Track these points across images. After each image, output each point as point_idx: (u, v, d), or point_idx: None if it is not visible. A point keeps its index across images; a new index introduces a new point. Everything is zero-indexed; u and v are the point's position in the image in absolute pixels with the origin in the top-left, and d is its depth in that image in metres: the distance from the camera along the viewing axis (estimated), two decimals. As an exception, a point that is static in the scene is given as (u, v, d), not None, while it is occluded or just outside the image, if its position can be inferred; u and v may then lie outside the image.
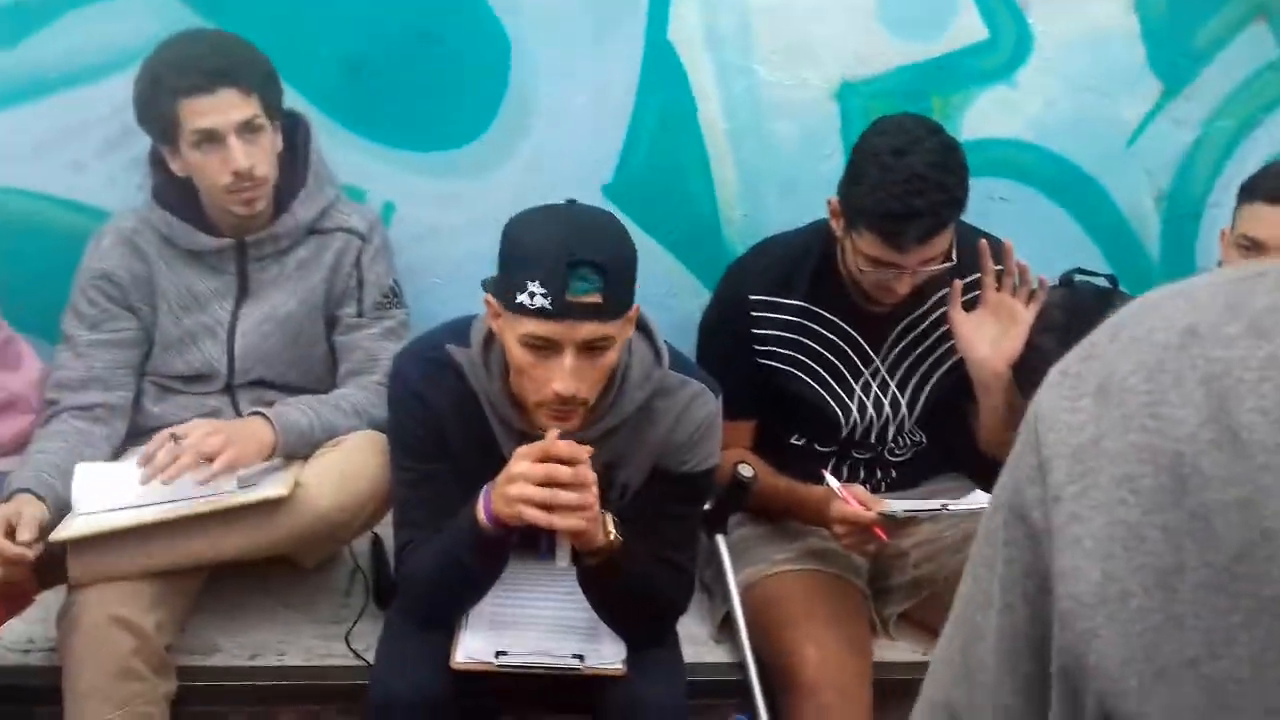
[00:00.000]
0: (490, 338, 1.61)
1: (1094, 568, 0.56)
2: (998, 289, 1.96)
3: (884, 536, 1.84)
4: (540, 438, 1.55)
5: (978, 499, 1.92)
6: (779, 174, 2.39)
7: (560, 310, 1.45)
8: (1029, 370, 2.15)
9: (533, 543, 1.62)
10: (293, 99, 2.13)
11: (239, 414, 2.03)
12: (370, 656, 1.93)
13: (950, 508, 1.77)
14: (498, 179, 2.35)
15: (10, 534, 1.68)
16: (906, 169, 1.77)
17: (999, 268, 1.96)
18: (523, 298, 1.46)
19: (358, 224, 2.08)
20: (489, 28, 2.27)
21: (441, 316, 2.31)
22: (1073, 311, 2.21)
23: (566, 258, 1.44)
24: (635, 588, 1.64)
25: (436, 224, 2.38)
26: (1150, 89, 2.39)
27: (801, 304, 2.02)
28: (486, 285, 1.59)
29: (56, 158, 2.25)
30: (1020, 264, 1.96)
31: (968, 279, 1.97)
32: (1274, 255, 1.84)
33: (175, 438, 1.74)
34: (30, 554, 1.68)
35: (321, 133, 2.15)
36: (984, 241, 1.97)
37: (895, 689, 1.99)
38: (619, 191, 2.37)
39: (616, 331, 1.52)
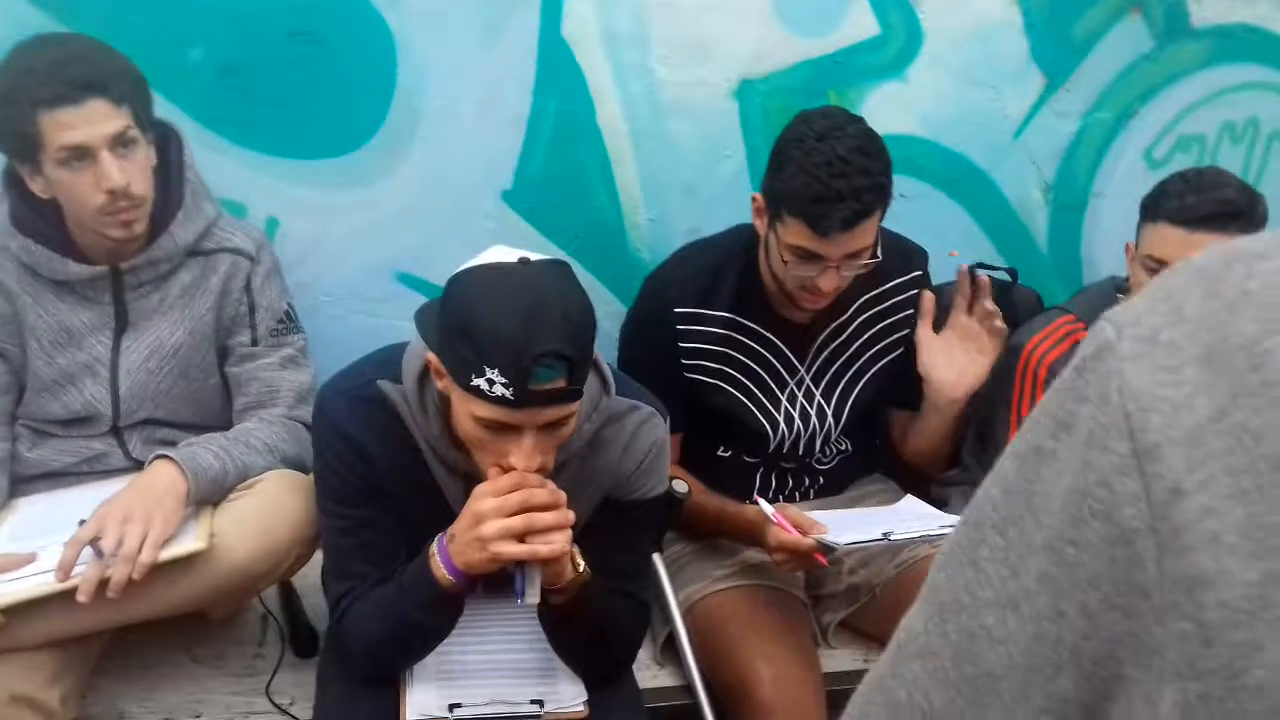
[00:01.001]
0: (425, 374, 1.50)
1: (1248, 568, 0.47)
2: (969, 314, 1.96)
3: (824, 562, 1.82)
4: (483, 478, 1.46)
5: (914, 512, 1.93)
6: (681, 176, 2.34)
7: (522, 400, 1.35)
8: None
9: (496, 584, 1.52)
10: (161, 107, 1.95)
11: (129, 457, 1.86)
12: (297, 710, 1.81)
13: (893, 537, 1.76)
14: (388, 187, 2.22)
15: None
16: (829, 151, 1.76)
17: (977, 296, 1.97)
18: (479, 382, 1.34)
19: (244, 244, 1.92)
20: (372, 26, 2.12)
21: (335, 336, 2.20)
22: (976, 304, 2.26)
23: (530, 349, 1.32)
24: (597, 623, 1.57)
25: (323, 237, 2.23)
26: (1034, 82, 2.45)
27: (726, 315, 1.98)
28: (429, 341, 1.45)
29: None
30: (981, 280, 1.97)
31: (886, 284, 1.98)
32: None
33: (94, 546, 1.55)
34: None
35: (195, 143, 1.97)
36: (964, 267, 1.98)
37: (839, 699, 2.00)
38: (518, 197, 2.28)
39: (578, 406, 1.44)
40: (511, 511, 1.41)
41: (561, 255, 2.27)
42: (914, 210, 2.39)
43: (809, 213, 1.77)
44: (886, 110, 2.37)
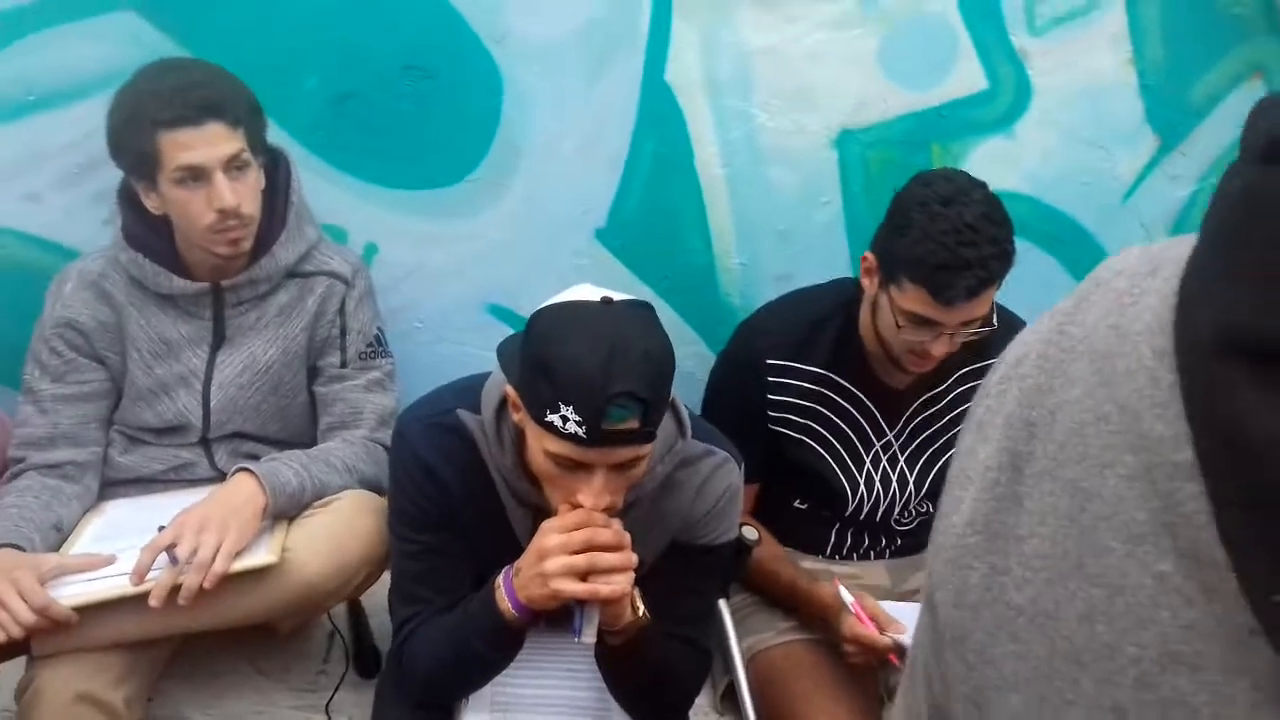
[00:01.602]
0: (504, 405, 1.51)
1: None
2: None
3: (897, 662, 1.77)
4: (552, 513, 1.46)
5: None
6: (775, 221, 2.33)
7: (595, 439, 1.35)
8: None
9: (558, 620, 1.52)
10: (273, 133, 2.02)
11: (215, 468, 1.91)
12: (353, 730, 1.82)
13: None
14: (485, 220, 2.26)
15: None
16: (956, 218, 1.70)
17: None
18: (553, 418, 1.35)
19: (340, 268, 1.97)
20: (481, 63, 2.17)
21: (423, 362, 2.24)
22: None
23: (606, 389, 1.32)
24: (655, 668, 1.55)
25: (420, 265, 2.28)
26: (1147, 143, 2.37)
27: (821, 371, 1.95)
28: (509, 373, 1.46)
29: (11, 188, 2.11)
30: None
31: (988, 359, 1.92)
32: None
33: (169, 553, 1.59)
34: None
35: (301, 168, 2.04)
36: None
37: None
38: (612, 236, 2.29)
39: (651, 448, 1.44)
40: (575, 549, 1.40)
41: (651, 295, 2.30)
42: (1016, 271, 2.33)
43: (933, 280, 1.72)
44: (992, 166, 2.32)
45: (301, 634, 2.01)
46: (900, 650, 1.75)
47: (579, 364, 1.33)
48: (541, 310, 1.43)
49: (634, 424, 1.34)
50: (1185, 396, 0.54)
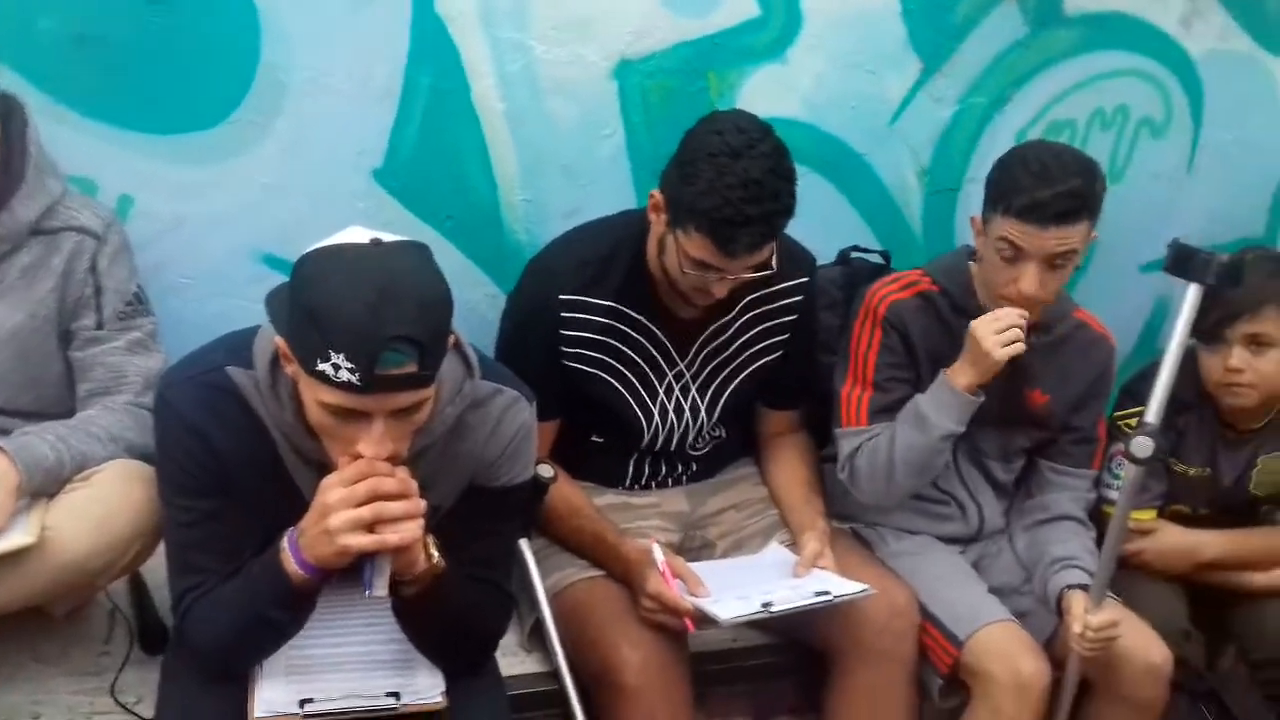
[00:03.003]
0: (278, 359, 1.44)
1: None
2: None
3: (692, 628, 1.82)
4: (336, 468, 1.41)
5: (785, 562, 1.96)
6: (559, 156, 2.29)
7: (368, 385, 1.29)
8: (814, 346, 2.19)
9: (349, 575, 1.47)
10: (5, 78, 1.84)
11: (-38, 447, 1.75)
12: (142, 710, 1.74)
13: (774, 609, 1.78)
14: (251, 163, 2.14)
15: None
16: (744, 173, 1.71)
17: None
18: (324, 366, 1.28)
19: (90, 222, 1.83)
20: (232, -6, 2.04)
21: (194, 321, 2.11)
22: (850, 288, 2.27)
23: (378, 333, 1.26)
24: (456, 614, 1.53)
25: (182, 215, 2.13)
26: (911, 66, 2.46)
27: (612, 304, 1.95)
28: (278, 324, 1.39)
29: None
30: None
31: (774, 286, 1.97)
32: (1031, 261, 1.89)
33: None
34: None
35: (41, 116, 1.87)
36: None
37: (710, 679, 2.00)
38: (390, 176, 2.21)
39: (431, 391, 1.39)
40: (359, 502, 1.36)
41: (435, 237, 2.24)
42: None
43: (717, 233, 1.74)
44: (766, 93, 2.36)
45: (79, 615, 1.89)
46: (700, 617, 1.79)
47: (346, 308, 1.27)
48: (307, 255, 1.36)
49: (411, 368, 1.30)
50: None
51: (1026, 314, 1.88)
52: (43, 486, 1.61)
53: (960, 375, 1.91)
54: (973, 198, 2.57)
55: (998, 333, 1.85)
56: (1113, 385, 2.22)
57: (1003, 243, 1.89)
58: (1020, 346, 1.85)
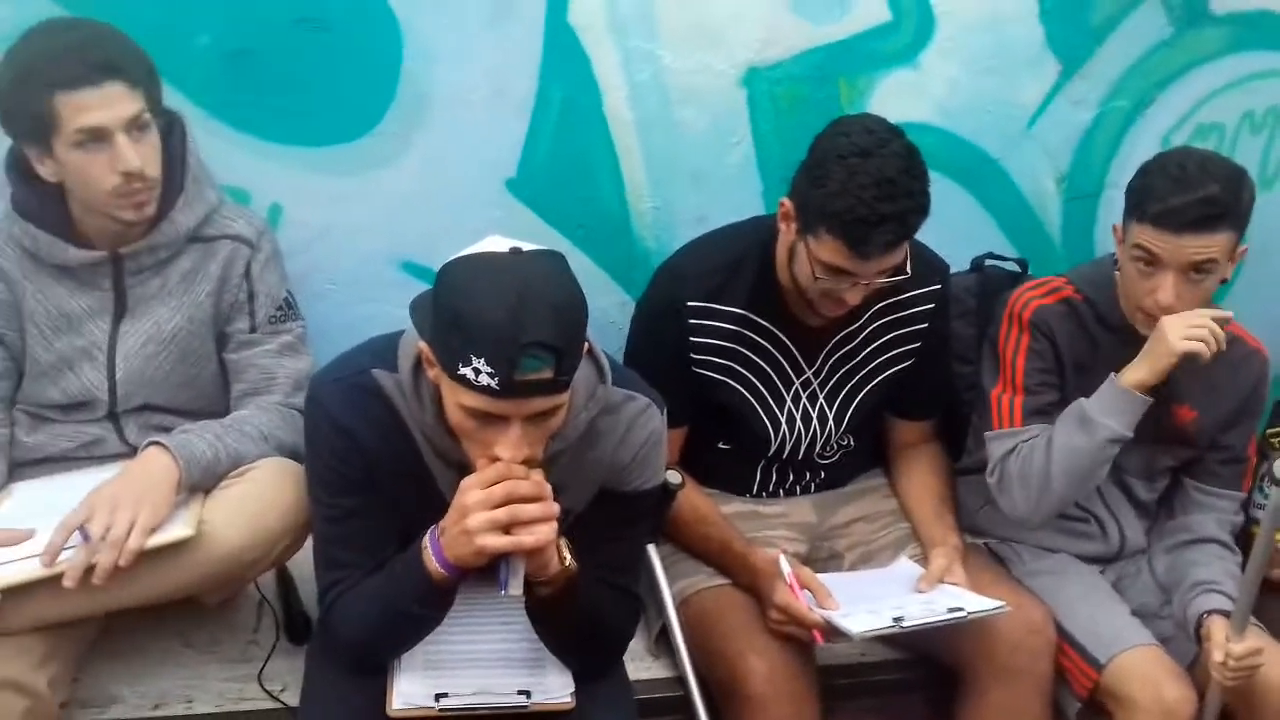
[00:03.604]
0: (420, 363, 1.49)
1: None
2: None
3: (820, 640, 1.80)
4: (475, 469, 1.45)
5: (911, 577, 1.92)
6: (687, 164, 2.31)
7: (507, 390, 1.33)
8: (947, 355, 2.16)
9: (486, 574, 1.51)
10: (166, 95, 1.94)
11: (125, 442, 1.86)
12: (287, 698, 1.82)
13: (905, 624, 1.75)
14: (393, 175, 2.21)
15: None
16: (876, 172, 1.69)
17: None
18: (465, 371, 1.33)
19: (244, 230, 1.92)
20: (378, 13, 2.11)
21: (339, 325, 2.19)
22: (985, 297, 2.23)
23: (516, 338, 1.31)
24: (586, 615, 1.56)
25: (328, 225, 2.22)
26: (1049, 69, 2.40)
27: (740, 311, 1.95)
28: (421, 329, 1.44)
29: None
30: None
31: (905, 294, 1.95)
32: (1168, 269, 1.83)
33: (83, 531, 1.55)
34: None
35: (198, 130, 1.97)
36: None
37: (837, 693, 1.98)
38: (523, 186, 2.26)
39: (567, 397, 1.42)
40: (496, 504, 1.40)
41: (566, 245, 2.28)
42: (925, 200, 2.35)
43: (850, 234, 1.72)
44: (898, 98, 2.34)
45: (230, 605, 1.98)
46: (828, 629, 1.77)
47: (487, 314, 1.31)
48: (449, 263, 1.41)
49: (547, 374, 1.34)
50: None
51: (1229, 315, 1.81)
52: (200, 482, 1.69)
53: (1132, 372, 1.85)
54: (1114, 204, 2.48)
55: (1188, 326, 1.79)
56: (1266, 402, 2.12)
57: (1139, 250, 1.83)
58: (1200, 346, 1.78)
